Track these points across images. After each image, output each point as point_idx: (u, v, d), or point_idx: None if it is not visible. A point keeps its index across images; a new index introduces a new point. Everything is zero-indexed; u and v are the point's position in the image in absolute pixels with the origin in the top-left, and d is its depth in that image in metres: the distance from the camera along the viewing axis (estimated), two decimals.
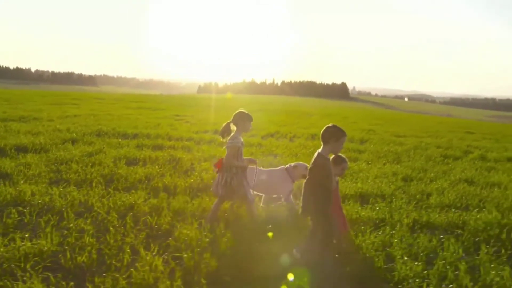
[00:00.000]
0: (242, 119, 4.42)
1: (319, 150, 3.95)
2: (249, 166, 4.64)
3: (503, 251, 4.14)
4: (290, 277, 3.33)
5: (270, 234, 4.08)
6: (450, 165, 9.61)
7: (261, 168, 5.28)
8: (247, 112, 4.49)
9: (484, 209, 5.69)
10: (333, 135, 3.86)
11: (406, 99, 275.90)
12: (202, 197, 5.28)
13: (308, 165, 4.46)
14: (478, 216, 5.22)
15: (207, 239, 3.84)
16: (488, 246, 4.22)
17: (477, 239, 4.53)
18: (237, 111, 4.51)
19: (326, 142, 3.88)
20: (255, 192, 4.89)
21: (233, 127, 4.48)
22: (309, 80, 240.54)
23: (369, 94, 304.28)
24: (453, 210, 5.56)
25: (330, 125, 3.98)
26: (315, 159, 3.91)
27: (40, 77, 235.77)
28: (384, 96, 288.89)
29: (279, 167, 5.37)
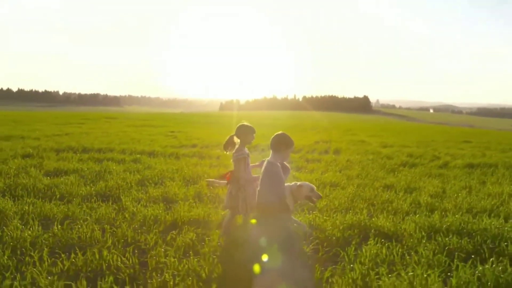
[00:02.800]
0: (244, 132, 4.45)
1: (268, 158, 4.00)
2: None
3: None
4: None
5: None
6: (394, 173, 9.51)
7: None
8: (249, 125, 4.52)
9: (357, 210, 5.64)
10: (283, 143, 3.94)
11: (431, 110, 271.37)
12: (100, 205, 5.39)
13: (314, 186, 4.53)
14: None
15: None
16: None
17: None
18: (239, 124, 4.55)
19: (277, 150, 3.95)
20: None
21: (237, 140, 4.53)
22: (331, 94, 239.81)
23: (393, 106, 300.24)
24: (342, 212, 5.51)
25: (280, 133, 4.05)
26: (266, 168, 3.93)
27: (67, 99, 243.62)
28: (408, 108, 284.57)
29: (286, 184, 4.93)
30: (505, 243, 4.09)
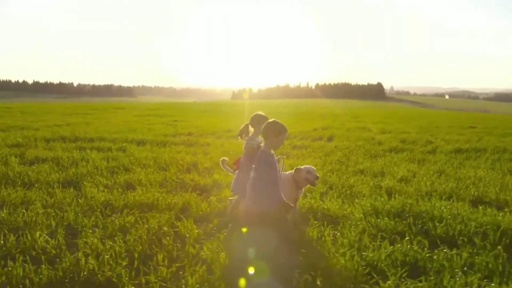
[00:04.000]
0: (258, 122, 4.49)
1: (262, 146, 4.06)
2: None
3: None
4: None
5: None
6: (376, 159, 9.50)
7: None
8: (263, 115, 4.59)
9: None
10: (271, 130, 3.96)
11: (446, 96, 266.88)
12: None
13: (314, 168, 4.59)
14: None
15: None
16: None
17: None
18: (254, 113, 4.64)
19: (266, 138, 4.01)
20: None
21: (251, 129, 4.61)
22: (344, 82, 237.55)
23: (407, 93, 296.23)
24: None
25: (270, 120, 4.09)
26: (258, 155, 4.00)
27: (81, 91, 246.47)
28: (423, 95, 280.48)
29: (288, 172, 4.81)
30: (438, 224, 4.11)
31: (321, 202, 5.16)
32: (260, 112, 4.64)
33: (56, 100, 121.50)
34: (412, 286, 2.97)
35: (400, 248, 3.38)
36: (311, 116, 33.52)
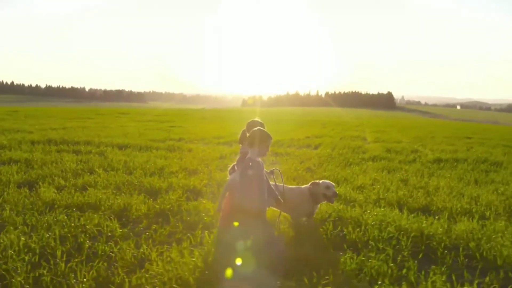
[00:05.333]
0: (253, 127, 4.51)
1: (248, 154, 4.12)
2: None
3: None
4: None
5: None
6: (350, 166, 9.57)
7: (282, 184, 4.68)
8: (259, 121, 4.67)
9: None
10: (256, 138, 4.06)
11: (458, 107, 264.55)
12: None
13: (333, 183, 4.56)
14: None
15: None
16: None
17: None
18: (250, 120, 4.74)
19: (251, 146, 4.10)
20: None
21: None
22: (354, 90, 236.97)
23: (418, 103, 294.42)
24: None
25: (255, 128, 4.19)
26: (245, 163, 4.06)
27: (93, 96, 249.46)
28: (434, 105, 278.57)
29: (304, 186, 4.75)
30: (358, 229, 4.21)
31: None
32: (256, 119, 4.71)
33: (68, 104, 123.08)
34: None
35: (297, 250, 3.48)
36: (313, 124, 33.57)
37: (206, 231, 4.17)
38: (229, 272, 3.16)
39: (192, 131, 21.03)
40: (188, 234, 4.13)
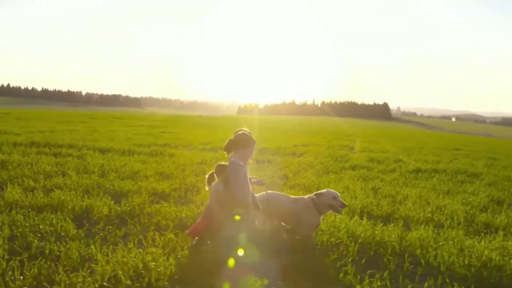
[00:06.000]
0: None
1: (232, 158, 4.09)
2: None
3: None
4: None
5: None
6: (328, 175, 9.66)
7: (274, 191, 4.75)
8: (247, 130, 4.51)
9: None
10: (240, 142, 4.05)
11: (453, 119, 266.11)
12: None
13: (339, 193, 4.41)
14: None
15: None
16: None
17: None
18: (239, 129, 4.59)
19: (235, 150, 4.08)
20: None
21: None
22: (350, 100, 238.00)
23: (414, 114, 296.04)
24: None
25: (239, 133, 4.17)
26: (229, 167, 4.02)
27: (89, 100, 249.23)
28: (429, 117, 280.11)
29: (307, 196, 4.56)
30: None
31: None
32: (244, 128, 4.57)
33: (64, 108, 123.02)
34: None
35: None
36: (306, 133, 33.69)
37: (157, 233, 4.23)
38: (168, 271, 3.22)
39: (181, 136, 21.08)
40: (140, 236, 4.19)
